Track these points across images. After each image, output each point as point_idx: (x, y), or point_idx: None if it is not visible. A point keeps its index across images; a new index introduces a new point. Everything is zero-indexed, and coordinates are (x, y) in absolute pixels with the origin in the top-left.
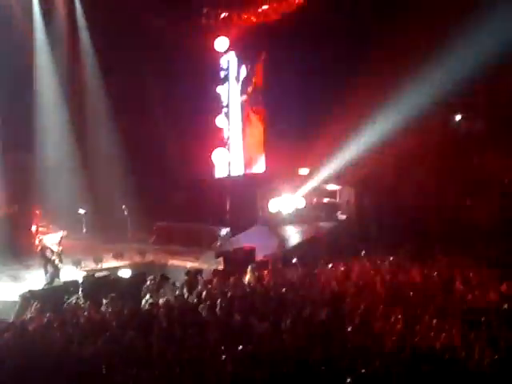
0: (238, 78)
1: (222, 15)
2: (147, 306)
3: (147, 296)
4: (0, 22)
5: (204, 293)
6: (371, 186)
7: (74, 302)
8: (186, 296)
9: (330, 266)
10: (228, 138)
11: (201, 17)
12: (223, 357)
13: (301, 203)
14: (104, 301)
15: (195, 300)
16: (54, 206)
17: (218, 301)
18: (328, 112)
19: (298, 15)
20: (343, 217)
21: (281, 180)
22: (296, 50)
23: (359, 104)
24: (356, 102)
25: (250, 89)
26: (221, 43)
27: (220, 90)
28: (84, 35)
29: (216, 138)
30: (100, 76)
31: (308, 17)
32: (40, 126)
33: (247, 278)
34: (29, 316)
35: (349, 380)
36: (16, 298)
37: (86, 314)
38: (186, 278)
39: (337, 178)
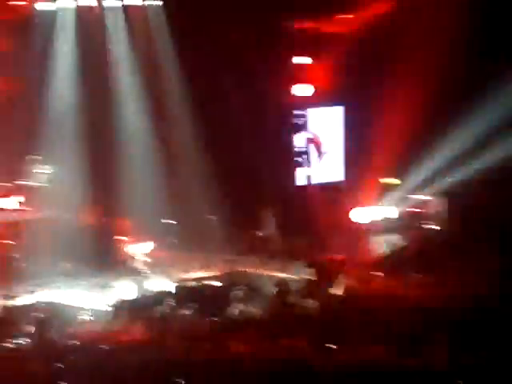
0: None
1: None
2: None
3: (237, 305)
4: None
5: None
6: (462, 197)
7: (164, 311)
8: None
9: (419, 276)
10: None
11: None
12: None
13: (389, 213)
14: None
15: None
16: (143, 217)
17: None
18: (417, 119)
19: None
20: (433, 227)
21: (369, 189)
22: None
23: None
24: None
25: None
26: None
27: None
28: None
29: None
30: (182, 85)
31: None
32: (124, 137)
33: (338, 287)
34: (120, 325)
35: None
36: (106, 307)
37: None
38: (276, 288)
39: (426, 187)
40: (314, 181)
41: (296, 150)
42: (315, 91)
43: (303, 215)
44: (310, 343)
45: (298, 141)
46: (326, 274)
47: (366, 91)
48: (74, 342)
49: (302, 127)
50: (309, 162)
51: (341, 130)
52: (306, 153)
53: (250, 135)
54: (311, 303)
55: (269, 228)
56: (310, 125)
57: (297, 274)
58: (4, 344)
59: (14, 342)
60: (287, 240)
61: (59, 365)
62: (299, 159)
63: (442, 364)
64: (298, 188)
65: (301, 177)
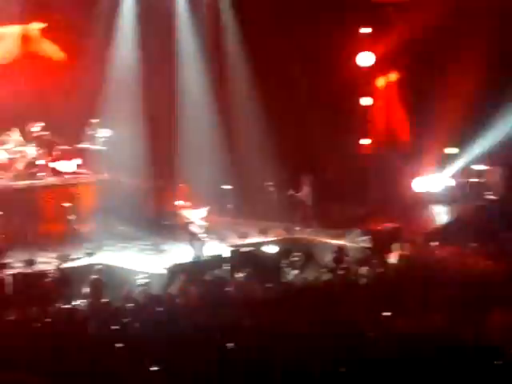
0: None
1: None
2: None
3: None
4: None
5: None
6: None
7: (219, 276)
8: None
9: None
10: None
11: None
12: None
13: (448, 183)
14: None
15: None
16: (199, 182)
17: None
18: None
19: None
20: (492, 198)
21: (427, 158)
22: None
23: None
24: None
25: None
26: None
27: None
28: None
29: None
30: (244, 57)
31: None
32: (184, 106)
33: (393, 256)
34: (176, 289)
35: None
36: (161, 270)
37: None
38: (332, 255)
39: (486, 157)
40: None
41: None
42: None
43: (363, 183)
44: (365, 311)
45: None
46: (382, 243)
47: (429, 63)
48: (130, 304)
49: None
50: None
51: (403, 99)
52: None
53: (312, 105)
54: (366, 271)
55: (326, 196)
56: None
57: (352, 242)
58: (61, 305)
59: (70, 303)
60: (343, 208)
61: (115, 327)
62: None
63: (496, 333)
64: (361, 156)
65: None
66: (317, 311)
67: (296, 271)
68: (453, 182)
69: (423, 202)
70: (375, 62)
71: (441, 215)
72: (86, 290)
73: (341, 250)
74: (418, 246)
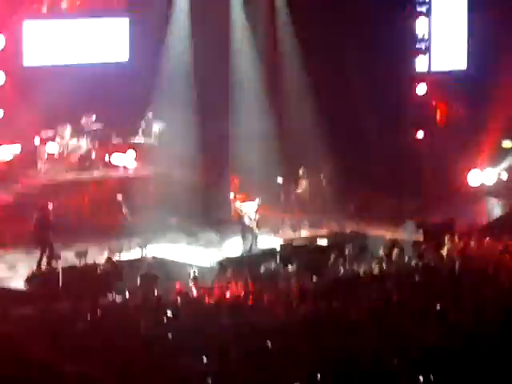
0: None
1: None
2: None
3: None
4: None
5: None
6: None
7: (269, 270)
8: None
9: None
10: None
11: None
12: None
13: (504, 176)
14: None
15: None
16: (252, 175)
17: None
18: None
19: None
20: None
21: (483, 151)
22: None
23: None
24: None
25: None
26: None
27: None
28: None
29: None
30: (297, 47)
31: None
32: (236, 97)
33: (446, 249)
34: (224, 282)
35: None
36: (212, 264)
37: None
38: (385, 248)
39: None
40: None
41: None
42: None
43: (418, 175)
44: (417, 303)
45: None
46: (435, 236)
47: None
48: (179, 296)
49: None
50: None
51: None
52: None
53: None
54: (419, 264)
55: (379, 188)
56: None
57: (406, 235)
58: (112, 295)
59: (121, 294)
60: (397, 200)
61: (164, 318)
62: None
63: None
64: (416, 148)
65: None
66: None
67: (347, 264)
68: (507, 176)
69: (478, 195)
70: None
71: (495, 209)
72: (137, 282)
73: (393, 244)
74: (471, 240)
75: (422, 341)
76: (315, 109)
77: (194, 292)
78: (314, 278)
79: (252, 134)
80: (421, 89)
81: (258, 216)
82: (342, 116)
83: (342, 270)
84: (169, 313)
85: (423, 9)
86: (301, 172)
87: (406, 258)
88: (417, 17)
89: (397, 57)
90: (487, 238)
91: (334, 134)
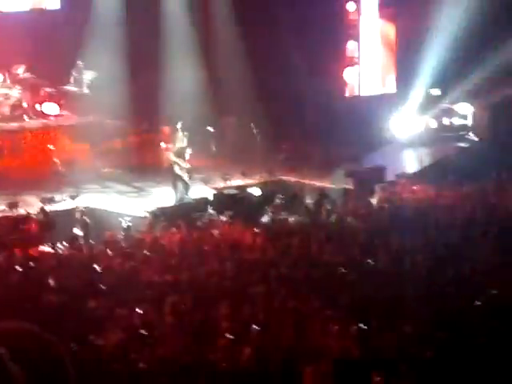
0: None
1: None
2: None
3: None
4: None
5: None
6: (505, 105)
7: (202, 218)
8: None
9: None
10: (359, 57)
11: None
12: None
13: (431, 124)
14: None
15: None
16: (183, 124)
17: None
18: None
19: None
20: (475, 139)
21: (409, 100)
22: None
23: None
24: None
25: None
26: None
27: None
28: None
29: (346, 57)
30: None
31: None
32: (168, 47)
33: (377, 197)
34: (158, 232)
35: None
36: (144, 213)
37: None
38: (314, 197)
39: (470, 99)
40: (363, 93)
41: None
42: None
43: (349, 124)
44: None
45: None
46: (365, 184)
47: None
48: (110, 246)
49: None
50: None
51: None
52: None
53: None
54: (349, 212)
55: (310, 137)
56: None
57: (336, 184)
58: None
59: (53, 244)
60: (328, 149)
61: (97, 268)
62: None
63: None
64: (344, 99)
65: (350, 85)
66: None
67: (279, 213)
68: (435, 124)
69: (405, 143)
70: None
71: (422, 157)
72: (71, 232)
73: (323, 192)
74: (401, 186)
75: (351, 284)
76: (247, 58)
77: (126, 241)
78: (247, 227)
79: (183, 84)
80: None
81: (189, 165)
82: (273, 65)
83: (273, 219)
84: (99, 263)
85: None
86: (231, 121)
87: (335, 207)
88: None
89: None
90: (416, 186)
91: (265, 84)
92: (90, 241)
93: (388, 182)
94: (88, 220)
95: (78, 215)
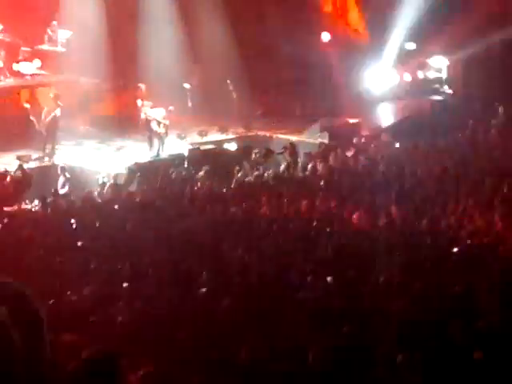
0: None
1: None
2: (253, 178)
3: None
4: None
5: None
6: (479, 59)
7: (178, 174)
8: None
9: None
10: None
11: None
12: None
13: (406, 78)
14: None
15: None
16: (159, 81)
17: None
18: None
19: None
20: (449, 92)
21: (384, 54)
22: None
23: None
24: None
25: None
26: None
27: None
28: None
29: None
30: None
31: None
32: (148, 5)
33: (351, 151)
34: (135, 187)
35: None
36: (122, 169)
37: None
38: (288, 149)
39: (443, 51)
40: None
41: None
42: None
43: (325, 79)
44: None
45: None
46: (340, 138)
47: None
48: (88, 202)
49: None
50: None
51: None
52: None
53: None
54: (322, 166)
55: (286, 92)
56: None
57: (311, 138)
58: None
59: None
60: (304, 104)
61: (73, 223)
62: None
63: None
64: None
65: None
66: (273, 207)
67: (254, 167)
68: (410, 78)
69: (380, 98)
70: None
71: (397, 110)
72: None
73: (293, 146)
74: (378, 141)
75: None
76: (225, 16)
77: (103, 197)
78: (223, 182)
79: (161, 41)
80: None
81: (166, 122)
82: (249, 21)
83: (248, 174)
84: (77, 219)
85: None
86: (208, 77)
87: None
88: None
89: None
90: (390, 139)
91: (241, 40)
92: (72, 197)
93: (362, 136)
94: (65, 177)
95: (58, 171)
